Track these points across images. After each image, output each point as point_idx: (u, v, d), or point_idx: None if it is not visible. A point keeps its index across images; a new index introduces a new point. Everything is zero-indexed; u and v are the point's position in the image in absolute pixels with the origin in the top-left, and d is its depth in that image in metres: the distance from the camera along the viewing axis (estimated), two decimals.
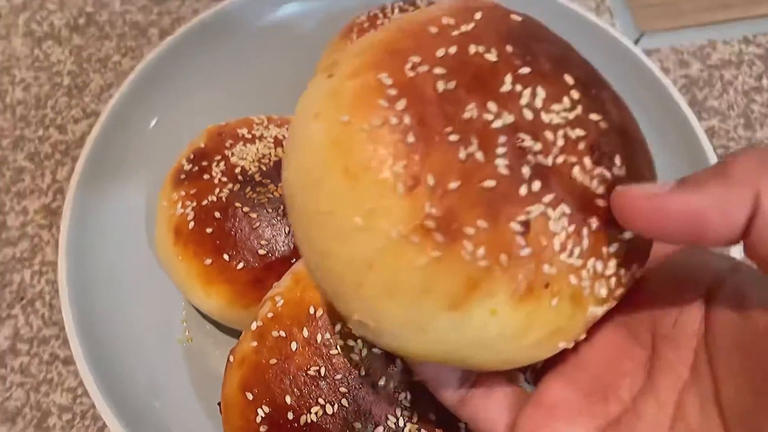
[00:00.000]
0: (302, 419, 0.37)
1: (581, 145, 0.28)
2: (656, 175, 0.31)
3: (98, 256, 0.49)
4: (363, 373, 0.38)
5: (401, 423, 0.37)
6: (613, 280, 0.29)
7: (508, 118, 0.27)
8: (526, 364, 0.30)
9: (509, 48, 0.29)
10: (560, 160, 0.28)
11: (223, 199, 0.45)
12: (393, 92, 0.26)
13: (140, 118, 0.54)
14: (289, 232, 0.44)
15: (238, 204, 0.45)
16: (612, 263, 0.29)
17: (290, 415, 0.37)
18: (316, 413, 0.37)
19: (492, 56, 0.28)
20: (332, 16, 0.57)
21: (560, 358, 0.31)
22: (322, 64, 0.47)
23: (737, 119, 0.59)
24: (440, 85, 0.27)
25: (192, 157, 0.48)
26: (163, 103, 0.55)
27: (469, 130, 0.27)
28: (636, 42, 0.62)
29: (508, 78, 0.28)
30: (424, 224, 0.25)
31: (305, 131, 0.28)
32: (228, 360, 0.40)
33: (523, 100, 0.28)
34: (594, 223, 0.28)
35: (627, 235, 0.29)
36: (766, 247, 0.24)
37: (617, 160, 0.29)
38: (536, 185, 0.27)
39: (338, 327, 0.39)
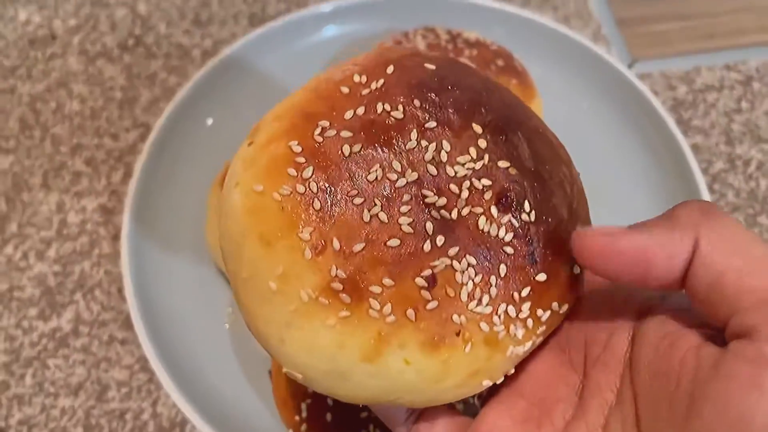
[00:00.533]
0: None
1: (488, 195, 0.30)
2: (580, 208, 0.33)
3: (155, 247, 0.55)
4: None
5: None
6: (530, 321, 0.30)
7: (412, 176, 0.29)
8: (455, 401, 0.31)
9: (416, 102, 0.30)
10: (465, 212, 0.29)
11: None
12: (301, 160, 0.28)
13: (199, 116, 0.61)
14: None
15: None
16: (526, 305, 0.30)
17: None
18: None
19: (398, 113, 0.30)
20: (366, 38, 0.65)
21: (500, 385, 0.33)
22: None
23: (719, 137, 0.66)
24: (346, 149, 0.28)
25: None
26: (217, 106, 0.62)
27: (374, 191, 0.28)
28: (629, 67, 0.69)
29: (414, 134, 0.29)
30: (331, 286, 0.27)
31: (228, 200, 0.29)
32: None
33: (428, 156, 0.29)
34: (503, 270, 0.29)
35: (541, 277, 0.30)
36: (704, 286, 0.26)
37: (526, 206, 0.30)
38: (440, 240, 0.29)
39: None
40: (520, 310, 0.30)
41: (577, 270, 0.32)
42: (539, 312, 0.30)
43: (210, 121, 0.62)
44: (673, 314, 0.29)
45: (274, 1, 0.74)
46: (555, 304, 0.31)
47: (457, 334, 0.29)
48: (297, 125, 0.29)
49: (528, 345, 0.31)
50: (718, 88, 0.69)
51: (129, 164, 0.63)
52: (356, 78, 0.30)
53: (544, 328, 0.31)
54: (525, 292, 0.30)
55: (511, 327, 0.30)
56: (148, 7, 0.73)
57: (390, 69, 0.31)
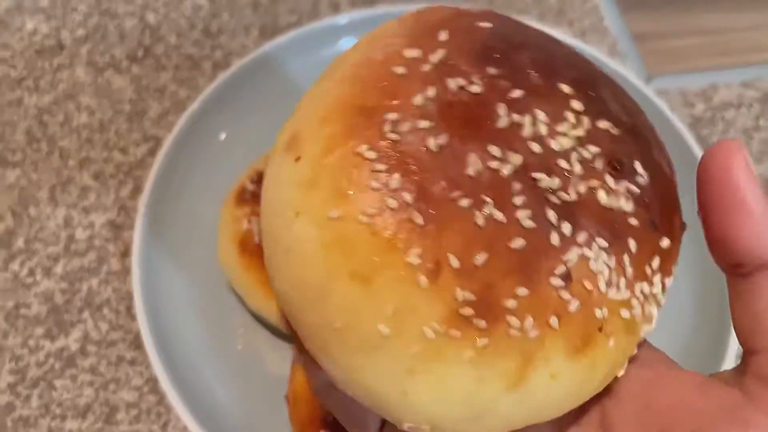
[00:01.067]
0: None
1: (598, 164, 0.25)
2: (671, 161, 0.29)
3: (166, 265, 0.54)
4: None
5: None
6: (660, 294, 0.27)
7: (516, 159, 0.24)
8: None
9: (491, 70, 0.25)
10: (583, 189, 0.25)
11: None
12: (381, 167, 0.23)
13: (211, 130, 0.60)
14: None
15: None
16: (657, 278, 0.27)
17: None
18: None
19: (476, 88, 0.25)
20: None
21: None
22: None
23: None
24: (431, 143, 0.23)
25: (255, 178, 0.54)
26: (230, 120, 0.61)
27: (479, 187, 0.23)
28: (646, 83, 0.68)
29: (502, 109, 0.25)
30: (460, 313, 0.23)
31: (290, 236, 0.24)
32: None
33: (526, 132, 0.25)
34: (633, 245, 0.26)
35: (664, 243, 0.27)
36: (764, 302, 0.24)
37: (638, 167, 0.26)
38: (567, 228, 0.24)
39: None
40: (653, 285, 0.26)
41: (683, 227, 0.28)
42: (666, 281, 0.27)
43: (223, 136, 0.61)
44: (651, 360, 0.27)
45: (285, 13, 0.72)
46: (673, 267, 0.27)
47: (600, 330, 0.25)
48: (357, 125, 0.24)
49: (654, 322, 0.27)
50: (736, 106, 0.68)
51: (138, 179, 0.61)
52: (407, 53, 0.25)
53: (664, 296, 0.27)
54: (655, 264, 0.26)
55: (646, 306, 0.26)
56: (157, 17, 0.72)
57: (443, 36, 0.26)
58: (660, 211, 0.26)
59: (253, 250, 0.50)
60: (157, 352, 0.49)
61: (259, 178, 0.53)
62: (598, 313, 0.24)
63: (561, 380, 0.24)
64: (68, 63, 0.69)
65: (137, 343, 0.54)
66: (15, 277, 0.57)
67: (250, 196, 0.52)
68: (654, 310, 0.27)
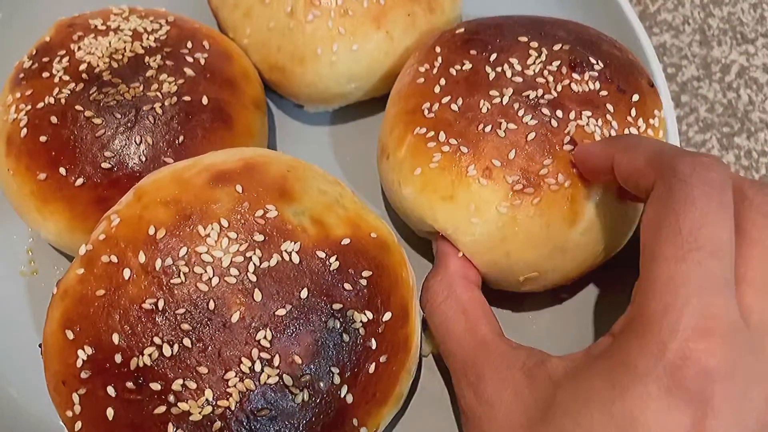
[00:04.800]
0: (132, 362, 0.30)
1: (563, 69, 0.39)
2: (623, 46, 0.42)
3: None
4: (212, 306, 0.31)
5: (257, 367, 0.30)
6: (650, 131, 0.40)
7: (508, 91, 0.39)
8: None
9: (472, 51, 0.41)
10: (559, 88, 0.39)
11: (62, 101, 0.37)
12: (431, 134, 0.39)
13: None
14: (140, 142, 0.36)
15: (79, 107, 0.37)
16: (640, 121, 0.40)
17: (118, 358, 0.30)
18: (150, 355, 0.30)
19: (468, 65, 0.40)
20: None
21: None
22: None
23: (692, 35, 0.52)
24: (454, 107, 0.39)
25: (35, 53, 0.40)
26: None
27: (492, 116, 0.38)
28: None
29: (489, 68, 0.40)
30: (515, 189, 0.37)
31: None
32: (53, 292, 0.33)
33: (508, 74, 0.39)
34: (610, 107, 0.39)
35: (635, 97, 0.40)
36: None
37: (592, 60, 0.39)
38: (559, 113, 0.38)
39: (184, 251, 0.31)
40: (638, 126, 0.39)
41: (651, 84, 0.41)
42: (651, 121, 0.39)
43: None
44: None
45: None
46: (656, 111, 0.40)
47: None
48: (406, 111, 0.41)
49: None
50: None
51: None
52: (420, 69, 0.42)
53: (662, 132, 0.40)
54: (633, 112, 0.39)
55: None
56: None
57: (438, 49, 0.42)
58: (622, 79, 0.40)
59: (19, 147, 0.37)
60: None
61: (38, 52, 0.39)
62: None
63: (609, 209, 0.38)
64: None
65: None
66: None
67: (25, 76, 0.39)
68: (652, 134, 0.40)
